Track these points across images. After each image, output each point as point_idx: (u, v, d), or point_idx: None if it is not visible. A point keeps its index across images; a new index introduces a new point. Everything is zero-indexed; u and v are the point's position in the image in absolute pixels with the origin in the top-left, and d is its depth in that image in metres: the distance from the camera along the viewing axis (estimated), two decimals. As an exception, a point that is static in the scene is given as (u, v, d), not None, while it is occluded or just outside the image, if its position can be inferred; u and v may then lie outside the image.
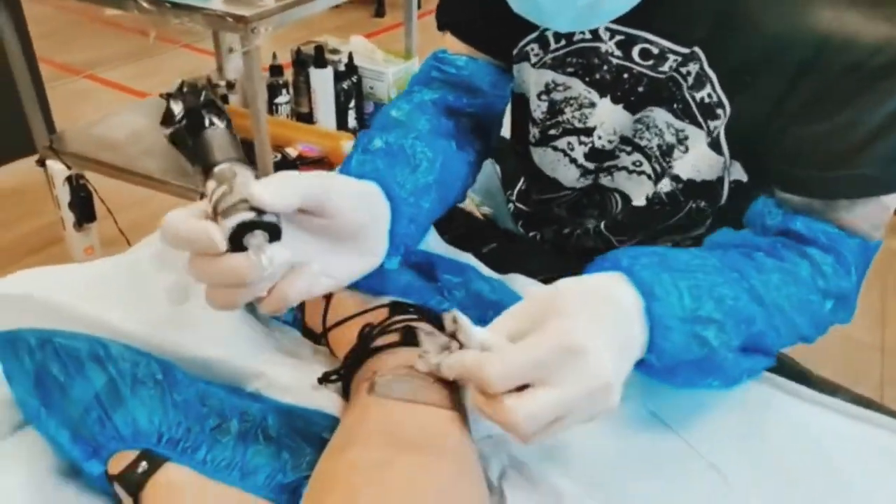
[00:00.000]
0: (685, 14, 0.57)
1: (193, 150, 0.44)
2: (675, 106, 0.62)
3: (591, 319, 0.43)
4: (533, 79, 0.71)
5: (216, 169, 0.43)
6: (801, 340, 0.56)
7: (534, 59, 0.70)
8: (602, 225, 0.76)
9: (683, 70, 0.60)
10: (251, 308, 0.63)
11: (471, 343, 0.42)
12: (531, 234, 0.87)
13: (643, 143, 0.68)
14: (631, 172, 0.70)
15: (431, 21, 0.83)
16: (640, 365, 0.48)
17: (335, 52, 1.60)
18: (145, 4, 1.18)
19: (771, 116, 0.56)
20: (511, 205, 0.89)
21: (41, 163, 1.56)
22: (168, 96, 0.44)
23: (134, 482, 0.44)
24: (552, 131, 0.73)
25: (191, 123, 0.43)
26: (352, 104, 1.56)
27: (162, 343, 0.55)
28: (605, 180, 0.73)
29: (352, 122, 1.59)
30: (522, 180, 0.85)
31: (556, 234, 0.83)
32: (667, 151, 0.66)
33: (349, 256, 0.51)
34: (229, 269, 0.42)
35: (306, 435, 0.49)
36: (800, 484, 0.51)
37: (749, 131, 0.59)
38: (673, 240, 0.73)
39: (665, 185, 0.67)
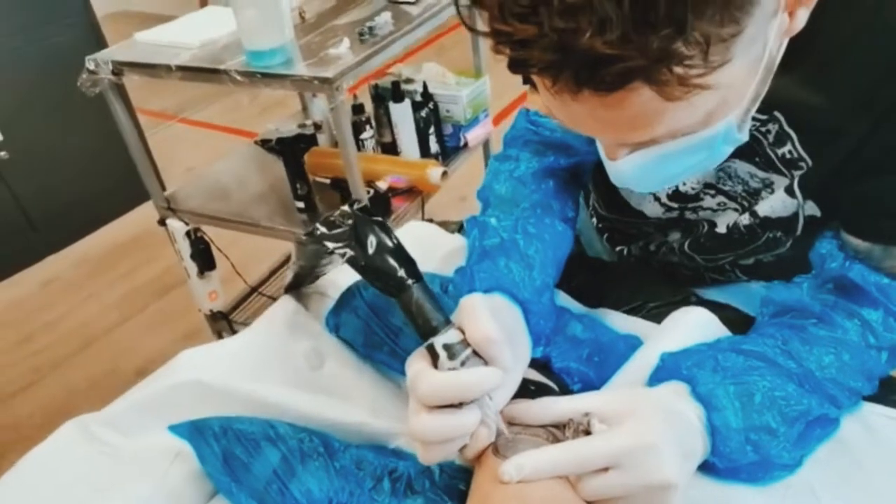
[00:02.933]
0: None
1: (402, 308, 0.55)
2: (756, 159, 0.66)
3: (664, 424, 0.51)
4: None
5: (443, 343, 0.53)
6: (860, 397, 0.62)
7: None
8: (686, 244, 0.81)
9: (763, 129, 0.63)
10: (379, 366, 0.72)
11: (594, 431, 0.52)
12: (617, 248, 0.92)
13: (727, 188, 0.71)
14: (716, 210, 0.74)
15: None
16: (705, 465, 0.55)
17: (409, 81, 1.68)
18: (238, 77, 1.29)
19: (844, 169, 0.60)
20: (595, 219, 0.94)
21: (161, 222, 1.72)
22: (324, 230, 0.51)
23: (315, 540, 0.54)
24: None
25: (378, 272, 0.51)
26: (431, 130, 1.64)
27: (312, 412, 0.65)
28: (690, 216, 0.77)
29: (434, 146, 1.67)
30: (606, 207, 0.90)
31: (642, 249, 0.87)
32: (753, 194, 0.70)
33: (511, 376, 0.58)
34: (462, 426, 0.52)
35: (446, 487, 0.57)
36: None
37: (823, 180, 0.63)
38: (756, 258, 0.77)
39: (744, 219, 0.71)
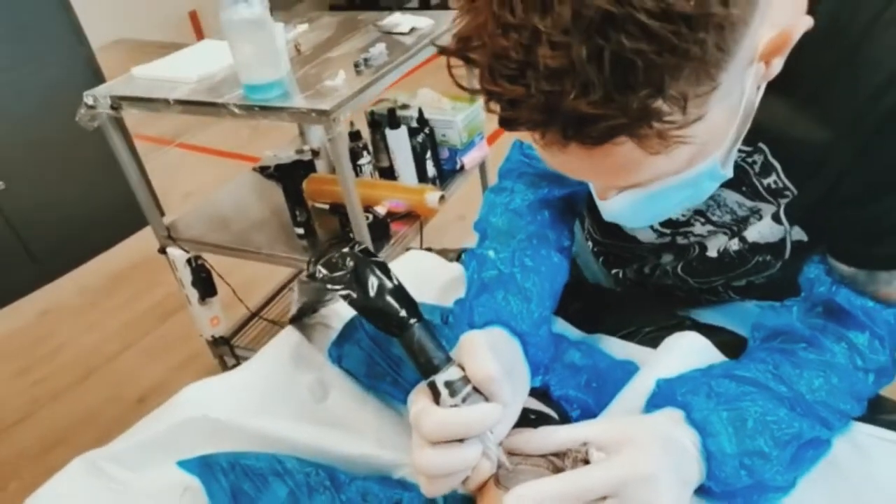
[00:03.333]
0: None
1: (404, 347, 0.56)
2: (743, 189, 0.68)
3: (661, 451, 0.52)
4: None
5: (445, 381, 0.55)
6: (849, 418, 0.64)
7: None
8: (679, 267, 0.82)
9: (749, 160, 0.66)
10: (379, 393, 0.74)
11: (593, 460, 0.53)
12: (613, 271, 0.94)
13: (714, 217, 0.74)
14: (706, 236, 0.77)
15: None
16: (702, 489, 0.57)
17: (405, 107, 1.71)
18: (236, 111, 1.32)
19: (828, 197, 0.62)
20: (590, 243, 0.96)
21: (162, 251, 1.74)
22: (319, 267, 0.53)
23: (324, 573, 0.55)
24: None
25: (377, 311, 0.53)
26: (428, 154, 1.66)
27: (317, 445, 0.66)
28: (681, 241, 0.79)
29: (431, 170, 1.69)
30: (601, 233, 0.91)
31: (636, 272, 0.89)
32: (741, 221, 0.72)
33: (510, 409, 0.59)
34: (465, 461, 0.53)
35: (451, 516, 0.58)
36: None
37: (808, 208, 0.65)
38: (748, 280, 0.79)
39: (733, 244, 0.73)
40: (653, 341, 0.75)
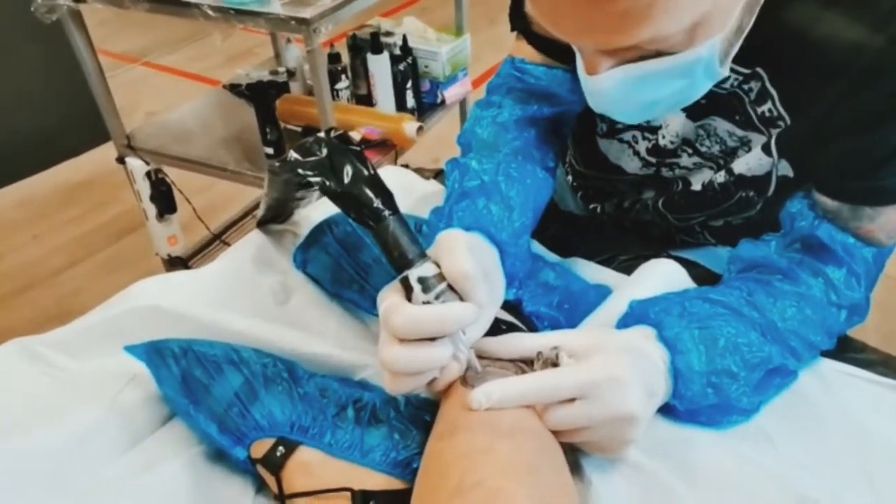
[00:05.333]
0: (750, 39, 0.60)
1: (377, 239, 0.53)
2: (736, 118, 0.67)
3: (630, 360, 0.52)
4: None
5: (418, 277, 0.52)
6: (818, 351, 0.64)
7: None
8: (660, 202, 0.81)
9: (746, 87, 0.64)
10: (346, 304, 0.71)
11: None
12: (591, 206, 0.92)
13: (703, 148, 0.72)
14: (691, 170, 0.75)
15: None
16: (665, 408, 0.57)
17: (388, 34, 1.64)
18: (210, 12, 1.24)
19: (820, 129, 0.61)
20: (570, 177, 0.94)
21: (121, 160, 1.66)
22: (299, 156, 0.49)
23: (274, 464, 0.52)
24: (619, 125, 0.77)
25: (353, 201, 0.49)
26: (409, 84, 1.61)
27: (277, 342, 0.63)
28: (666, 173, 0.78)
29: (410, 101, 1.64)
30: (584, 162, 0.89)
31: (616, 207, 0.87)
32: (729, 153, 0.70)
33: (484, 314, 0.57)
34: (434, 360, 0.51)
35: (411, 417, 0.56)
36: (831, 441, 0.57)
37: (800, 139, 0.63)
38: (726, 220, 0.77)
39: (719, 177, 0.72)
40: (628, 269, 0.74)
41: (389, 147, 1.50)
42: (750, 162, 0.69)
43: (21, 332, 0.66)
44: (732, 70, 0.63)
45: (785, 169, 0.67)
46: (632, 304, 0.60)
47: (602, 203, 0.90)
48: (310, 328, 0.67)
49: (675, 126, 0.72)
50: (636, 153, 0.77)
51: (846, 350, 0.66)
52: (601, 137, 0.81)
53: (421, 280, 0.51)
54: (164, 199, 1.65)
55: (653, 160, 0.77)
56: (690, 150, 0.73)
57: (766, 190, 0.70)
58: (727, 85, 0.65)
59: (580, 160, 0.89)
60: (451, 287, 0.52)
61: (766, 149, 0.66)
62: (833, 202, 0.62)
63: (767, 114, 0.64)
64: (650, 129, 0.75)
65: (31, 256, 2.25)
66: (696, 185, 0.75)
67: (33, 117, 2.42)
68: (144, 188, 1.63)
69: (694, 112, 0.69)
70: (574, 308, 0.68)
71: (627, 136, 0.77)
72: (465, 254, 0.53)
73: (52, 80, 2.36)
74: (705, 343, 0.56)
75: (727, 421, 0.58)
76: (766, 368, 0.58)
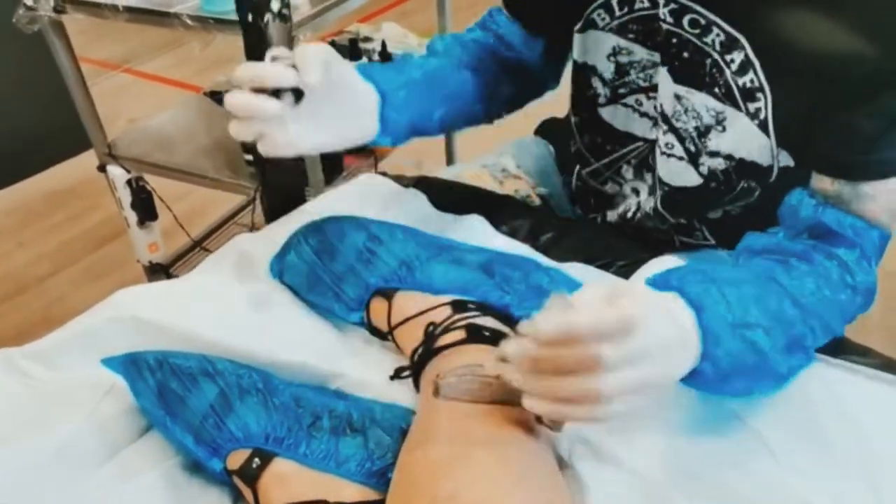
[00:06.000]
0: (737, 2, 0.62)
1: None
2: (716, 90, 0.68)
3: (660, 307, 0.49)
4: (602, 42, 0.78)
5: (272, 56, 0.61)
6: (833, 335, 0.62)
7: (601, 24, 0.76)
8: (659, 202, 0.82)
9: (728, 57, 0.66)
10: (322, 312, 0.72)
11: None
12: (591, 216, 0.93)
13: (679, 125, 0.74)
14: (663, 154, 0.77)
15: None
16: (695, 376, 0.51)
17: (368, 40, 1.65)
18: (189, 22, 1.24)
19: (814, 103, 0.62)
20: (570, 186, 0.95)
21: (101, 168, 1.66)
22: None
23: (250, 475, 0.53)
24: (621, 90, 0.80)
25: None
26: (387, 90, 1.61)
27: (253, 351, 0.64)
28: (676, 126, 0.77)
29: (388, 107, 1.64)
30: (587, 151, 0.89)
31: (619, 217, 0.88)
32: (703, 132, 0.72)
33: (343, 121, 0.68)
34: (261, 107, 0.59)
35: (386, 427, 0.57)
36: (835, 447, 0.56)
37: (793, 115, 0.65)
38: (724, 210, 0.78)
39: (719, 164, 0.73)
40: (626, 275, 0.73)
41: (369, 152, 1.50)
42: (742, 141, 0.69)
43: (8, 337, 0.67)
44: (716, 24, 0.66)
45: (786, 159, 0.69)
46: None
47: (603, 212, 0.91)
48: (286, 337, 0.67)
49: (663, 90, 0.74)
50: (644, 114, 0.79)
51: (847, 353, 0.65)
52: (603, 106, 0.82)
53: (273, 57, 0.60)
54: (145, 207, 1.64)
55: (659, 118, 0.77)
56: (666, 127, 0.75)
57: (767, 177, 0.71)
58: (709, 39, 0.67)
59: (588, 140, 0.88)
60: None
61: (763, 127, 0.68)
62: (833, 185, 0.63)
63: (749, 84, 0.66)
64: (651, 87, 0.76)
65: (17, 263, 2.24)
66: (691, 180, 0.76)
67: (16, 125, 2.41)
68: (125, 196, 1.62)
69: (676, 67, 0.71)
70: None
71: (630, 100, 0.80)
72: (320, 50, 0.60)
73: (34, 88, 2.36)
74: (734, 298, 0.52)
75: (760, 388, 0.55)
76: (792, 334, 0.56)
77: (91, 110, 1.61)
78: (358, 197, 0.87)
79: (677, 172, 0.77)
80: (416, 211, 0.84)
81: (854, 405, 0.60)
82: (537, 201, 0.98)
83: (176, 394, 0.56)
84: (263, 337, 0.66)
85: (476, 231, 0.81)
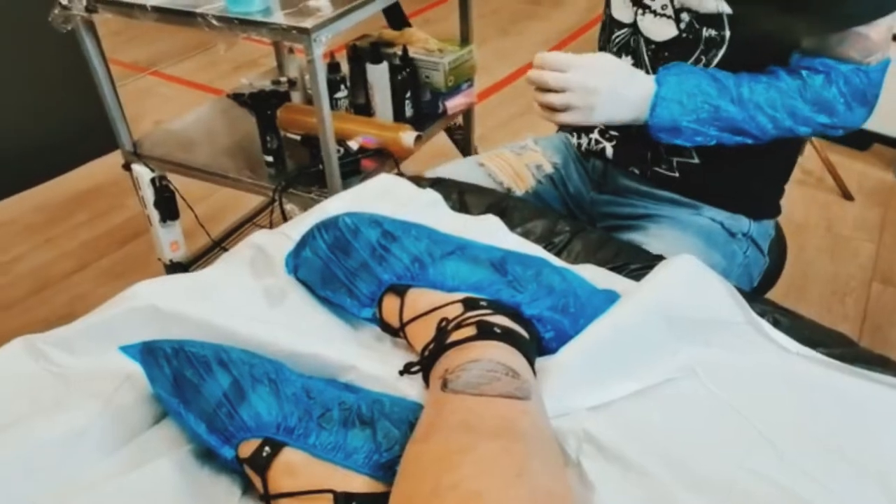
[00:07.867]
0: None
1: None
2: None
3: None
4: None
5: None
6: (790, 132, 0.88)
7: None
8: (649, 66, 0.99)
9: None
10: (335, 308, 0.72)
11: None
12: (599, 147, 1.08)
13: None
14: (658, 15, 0.93)
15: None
16: (654, 117, 0.86)
17: (390, 44, 1.66)
18: (214, 22, 1.27)
19: None
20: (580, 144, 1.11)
21: (126, 167, 1.69)
22: None
23: (261, 464, 0.53)
24: None
25: None
26: (408, 94, 1.63)
27: (266, 341, 0.64)
28: (640, 21, 0.97)
29: (409, 111, 1.65)
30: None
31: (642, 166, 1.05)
32: None
33: None
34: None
35: (395, 420, 0.57)
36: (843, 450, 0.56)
37: None
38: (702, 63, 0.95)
39: (685, 17, 0.91)
40: (638, 278, 0.73)
41: (387, 156, 1.51)
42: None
43: (33, 331, 0.69)
44: None
45: (724, 7, 0.86)
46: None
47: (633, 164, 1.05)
48: (299, 329, 0.68)
49: None
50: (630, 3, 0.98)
51: (861, 361, 0.65)
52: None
53: None
54: (168, 205, 1.67)
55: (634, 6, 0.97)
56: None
57: (722, 26, 0.88)
58: None
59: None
60: None
61: None
62: (805, 40, 0.86)
63: None
64: None
65: (45, 259, 2.29)
66: (670, 34, 0.93)
67: (48, 126, 2.46)
68: (149, 194, 1.65)
69: None
70: (580, 311, 0.66)
71: None
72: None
73: (67, 89, 2.41)
74: (686, 84, 0.85)
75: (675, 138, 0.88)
76: (723, 124, 0.86)
77: (119, 110, 1.65)
78: (374, 196, 0.88)
79: (660, 27, 0.94)
80: (431, 210, 0.85)
81: (867, 411, 0.59)
82: (549, 169, 1.14)
83: (191, 382, 0.57)
84: (277, 328, 0.67)
85: (490, 231, 0.81)
